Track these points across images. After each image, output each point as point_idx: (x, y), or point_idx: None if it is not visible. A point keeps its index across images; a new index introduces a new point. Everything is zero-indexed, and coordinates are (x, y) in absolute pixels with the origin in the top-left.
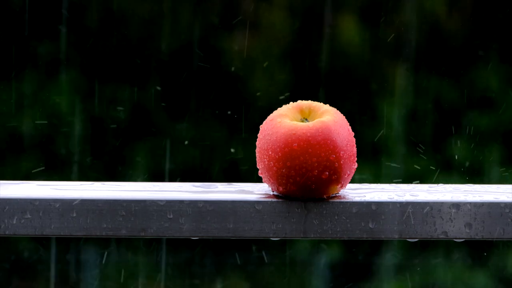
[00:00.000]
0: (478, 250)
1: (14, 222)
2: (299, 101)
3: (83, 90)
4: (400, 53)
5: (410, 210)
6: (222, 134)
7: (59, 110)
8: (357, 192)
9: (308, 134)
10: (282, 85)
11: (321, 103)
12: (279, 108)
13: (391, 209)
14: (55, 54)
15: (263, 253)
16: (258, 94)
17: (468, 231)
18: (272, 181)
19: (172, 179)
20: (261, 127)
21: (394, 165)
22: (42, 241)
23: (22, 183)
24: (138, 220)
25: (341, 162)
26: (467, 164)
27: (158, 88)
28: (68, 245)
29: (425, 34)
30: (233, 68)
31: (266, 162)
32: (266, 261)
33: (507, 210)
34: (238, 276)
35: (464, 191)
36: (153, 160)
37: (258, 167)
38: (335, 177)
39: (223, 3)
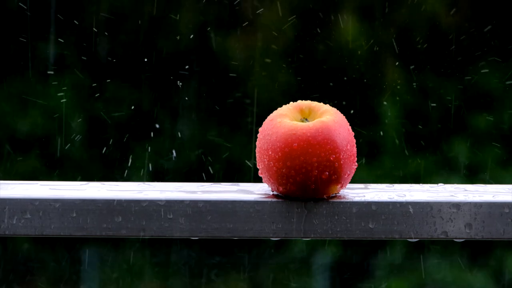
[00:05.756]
0: (478, 250)
1: (14, 222)
2: (299, 101)
3: (83, 90)
4: (400, 53)
5: (410, 210)
6: (222, 134)
7: (59, 110)
8: (357, 192)
9: (308, 134)
10: (281, 85)
11: (321, 103)
12: (279, 108)
13: (391, 209)
14: (55, 54)
15: (263, 253)
16: (257, 94)
17: (468, 231)
18: (272, 181)
19: (172, 179)
20: (261, 127)
21: (394, 165)
22: (42, 241)
23: (22, 183)
24: (138, 220)
25: (341, 162)
26: (467, 164)
27: (158, 88)
28: (68, 245)
29: (425, 34)
30: (233, 68)
31: (266, 162)
32: (265, 261)
33: (507, 210)
34: (238, 276)
35: (464, 191)
36: (153, 160)
37: (258, 167)
38: (335, 177)
39: (223, 2)
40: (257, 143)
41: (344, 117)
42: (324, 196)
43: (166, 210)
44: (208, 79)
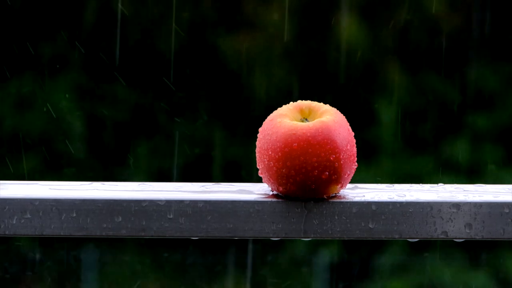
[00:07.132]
0: (478, 250)
1: (14, 222)
2: (299, 101)
3: (83, 90)
4: (400, 53)
5: (410, 210)
6: (222, 134)
7: (59, 110)
8: (357, 192)
9: (308, 134)
10: (282, 84)
11: (321, 103)
12: (279, 108)
13: (391, 209)
14: (55, 54)
15: (263, 253)
16: (257, 93)
17: (468, 231)
18: (272, 181)
19: (172, 179)
20: (261, 127)
21: (394, 165)
22: (41, 241)
23: (22, 183)
24: (138, 220)
25: (341, 162)
26: (467, 164)
27: (158, 87)
28: (68, 245)
29: (424, 33)
30: (233, 68)
31: (266, 162)
32: (265, 261)
33: (507, 210)
34: (238, 276)
35: (464, 191)
36: (153, 160)
37: (258, 167)
38: (335, 177)
39: (223, 2)
40: (257, 143)
41: (344, 117)
42: (324, 196)
43: (166, 210)
44: (208, 79)
